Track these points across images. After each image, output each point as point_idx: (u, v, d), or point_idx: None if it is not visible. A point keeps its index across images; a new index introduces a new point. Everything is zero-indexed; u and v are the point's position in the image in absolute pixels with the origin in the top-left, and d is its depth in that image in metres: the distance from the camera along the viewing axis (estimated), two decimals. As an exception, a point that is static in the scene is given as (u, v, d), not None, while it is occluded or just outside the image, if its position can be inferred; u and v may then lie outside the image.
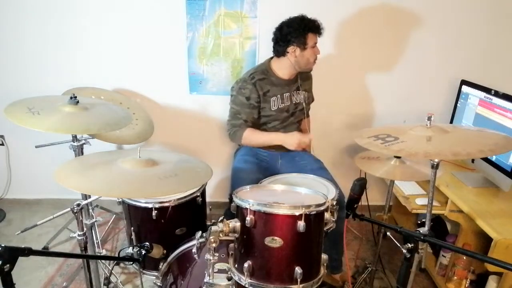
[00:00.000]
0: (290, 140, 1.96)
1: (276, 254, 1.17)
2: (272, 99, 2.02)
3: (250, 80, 1.99)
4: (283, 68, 2.02)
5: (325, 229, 1.25)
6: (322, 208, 1.19)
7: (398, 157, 1.73)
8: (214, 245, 1.15)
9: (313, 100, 2.32)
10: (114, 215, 2.62)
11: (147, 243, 1.46)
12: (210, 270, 1.20)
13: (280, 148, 2.08)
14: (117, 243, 2.46)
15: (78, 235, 1.44)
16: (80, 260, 2.05)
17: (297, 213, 1.13)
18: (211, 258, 1.18)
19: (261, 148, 2.14)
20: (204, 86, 2.55)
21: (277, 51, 2.00)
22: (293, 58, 1.96)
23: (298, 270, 1.15)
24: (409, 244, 1.20)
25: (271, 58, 2.08)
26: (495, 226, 1.58)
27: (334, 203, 1.30)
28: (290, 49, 1.94)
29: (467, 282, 1.95)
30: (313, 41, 1.94)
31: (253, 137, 2.03)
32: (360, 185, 1.30)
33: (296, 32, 1.91)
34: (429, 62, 2.51)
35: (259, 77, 2.00)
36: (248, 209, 1.16)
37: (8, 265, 0.94)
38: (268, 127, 2.09)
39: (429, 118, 1.31)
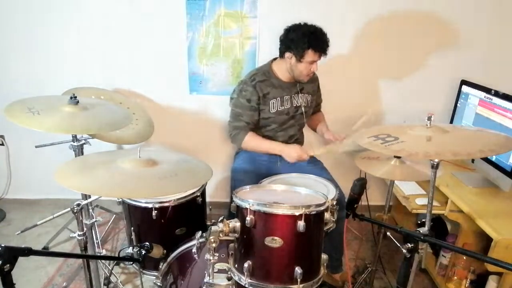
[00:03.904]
0: (289, 152, 1.94)
1: (276, 254, 1.17)
2: (271, 101, 2.01)
3: (251, 82, 1.99)
4: (283, 69, 2.01)
5: (325, 229, 1.25)
6: (322, 208, 1.19)
7: (398, 157, 1.73)
8: (214, 245, 1.15)
9: (321, 101, 2.33)
10: (114, 215, 2.62)
11: (147, 243, 1.46)
12: (210, 270, 1.20)
13: None
14: (117, 243, 2.46)
15: (78, 235, 1.44)
16: (80, 260, 2.05)
17: (297, 213, 1.13)
18: (211, 258, 1.18)
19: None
20: (204, 86, 2.55)
21: (279, 51, 1.99)
22: (288, 64, 1.96)
23: (298, 270, 1.15)
24: (409, 244, 1.20)
25: (274, 59, 2.08)
26: (495, 226, 1.58)
27: (334, 203, 1.30)
28: (287, 54, 1.92)
29: (467, 282, 1.95)
30: (312, 58, 1.87)
31: (254, 142, 2.03)
32: (360, 185, 1.30)
33: (298, 42, 1.86)
34: (429, 62, 2.51)
35: (259, 78, 2.00)
36: (248, 209, 1.16)
37: (8, 265, 0.95)
38: (267, 130, 2.09)
39: (429, 118, 1.31)
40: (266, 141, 2.04)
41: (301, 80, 2.00)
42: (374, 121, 2.66)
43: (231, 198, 1.27)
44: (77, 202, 1.35)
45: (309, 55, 1.86)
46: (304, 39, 1.85)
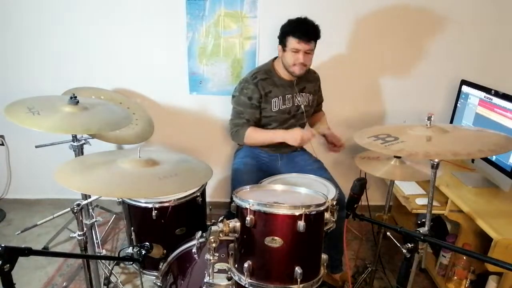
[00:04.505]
0: (292, 135, 1.93)
1: (276, 254, 1.17)
2: (273, 100, 2.01)
3: (252, 80, 1.99)
4: (281, 67, 2.01)
5: (325, 229, 1.25)
6: (322, 208, 1.19)
7: (398, 157, 1.73)
8: (214, 245, 1.15)
9: (322, 100, 2.33)
10: (114, 215, 2.62)
11: (147, 243, 1.46)
12: (210, 270, 1.21)
13: (279, 148, 2.08)
14: (117, 243, 2.46)
15: (78, 235, 1.44)
16: (80, 260, 2.05)
17: (297, 213, 1.13)
18: (211, 258, 1.18)
19: (261, 149, 2.13)
20: (204, 86, 2.55)
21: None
22: (280, 57, 1.98)
23: (298, 270, 1.15)
24: (409, 244, 1.20)
25: (275, 58, 2.07)
26: (495, 226, 1.58)
27: (334, 203, 1.30)
28: (279, 47, 1.96)
29: (467, 282, 1.95)
30: (294, 46, 1.86)
31: (256, 135, 2.02)
32: (360, 185, 1.30)
33: (281, 31, 1.92)
34: (429, 62, 2.51)
35: (261, 77, 2.00)
36: (248, 209, 1.16)
37: (8, 265, 0.94)
38: (267, 129, 2.08)
39: (429, 118, 1.31)
40: (268, 131, 2.05)
41: (292, 73, 1.96)
42: (375, 121, 2.67)
43: (231, 198, 1.27)
44: (77, 202, 1.35)
45: (290, 42, 1.87)
46: (285, 27, 1.90)
